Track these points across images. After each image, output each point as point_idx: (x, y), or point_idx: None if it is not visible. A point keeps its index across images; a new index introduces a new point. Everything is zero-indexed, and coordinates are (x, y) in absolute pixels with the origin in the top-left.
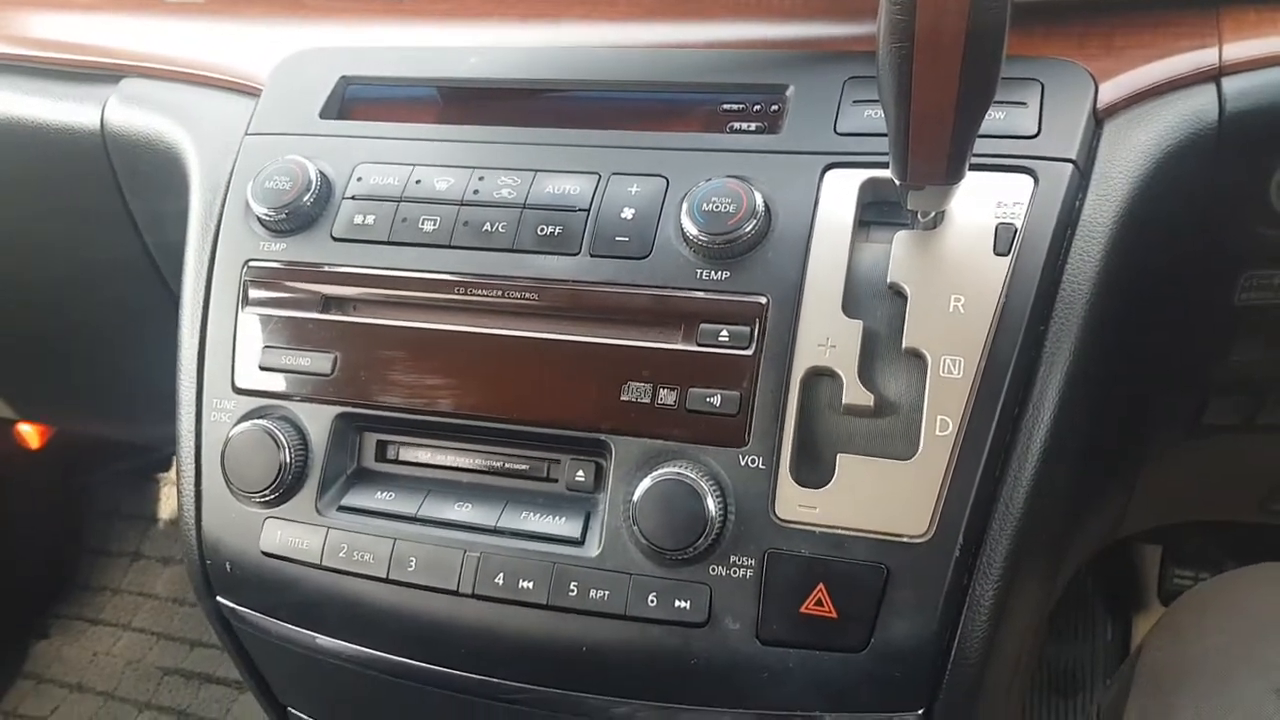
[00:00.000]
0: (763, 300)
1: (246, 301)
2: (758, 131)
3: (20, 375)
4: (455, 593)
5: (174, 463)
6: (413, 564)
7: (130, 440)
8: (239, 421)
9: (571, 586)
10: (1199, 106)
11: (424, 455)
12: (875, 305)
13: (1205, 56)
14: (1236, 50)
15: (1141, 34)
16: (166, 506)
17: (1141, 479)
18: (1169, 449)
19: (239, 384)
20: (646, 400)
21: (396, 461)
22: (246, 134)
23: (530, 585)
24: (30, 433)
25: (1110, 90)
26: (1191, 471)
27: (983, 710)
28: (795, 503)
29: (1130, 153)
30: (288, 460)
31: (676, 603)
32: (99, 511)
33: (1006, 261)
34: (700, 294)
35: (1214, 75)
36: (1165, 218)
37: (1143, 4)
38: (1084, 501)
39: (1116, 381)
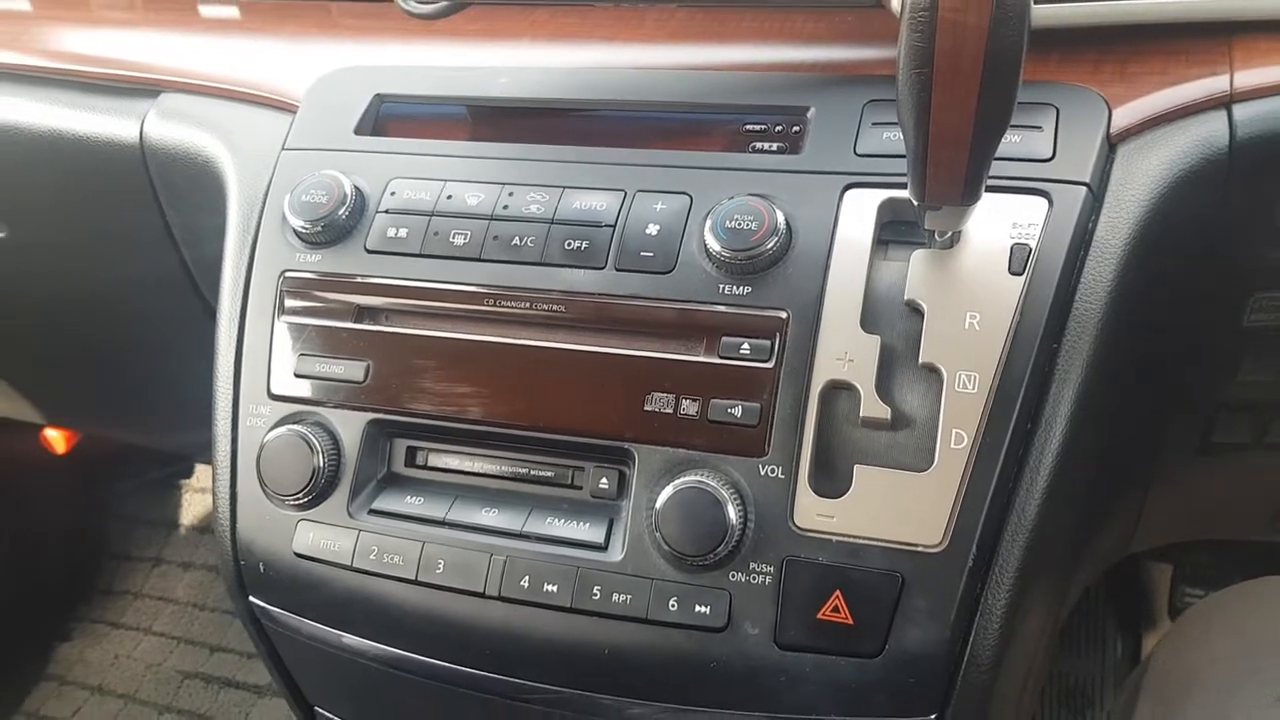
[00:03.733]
0: (783, 315)
1: (282, 311)
2: (779, 151)
3: (50, 381)
4: (481, 595)
5: (195, 470)
6: (440, 566)
7: (155, 447)
8: (274, 427)
9: (595, 590)
10: (1210, 132)
11: (452, 461)
12: (893, 321)
13: (1217, 84)
14: (1247, 78)
15: (1154, 61)
16: (188, 513)
17: (1152, 495)
18: (1179, 466)
19: (274, 390)
20: (669, 410)
21: (425, 467)
22: (283, 149)
23: (554, 589)
24: (56, 438)
25: (1123, 115)
26: (1201, 488)
27: (994, 718)
28: (813, 512)
29: (1142, 176)
30: (321, 464)
31: (697, 607)
32: (121, 517)
33: (1021, 280)
34: (722, 308)
35: (1225, 102)
36: (1176, 240)
37: (1156, 32)
38: (1095, 515)
39: (1127, 398)
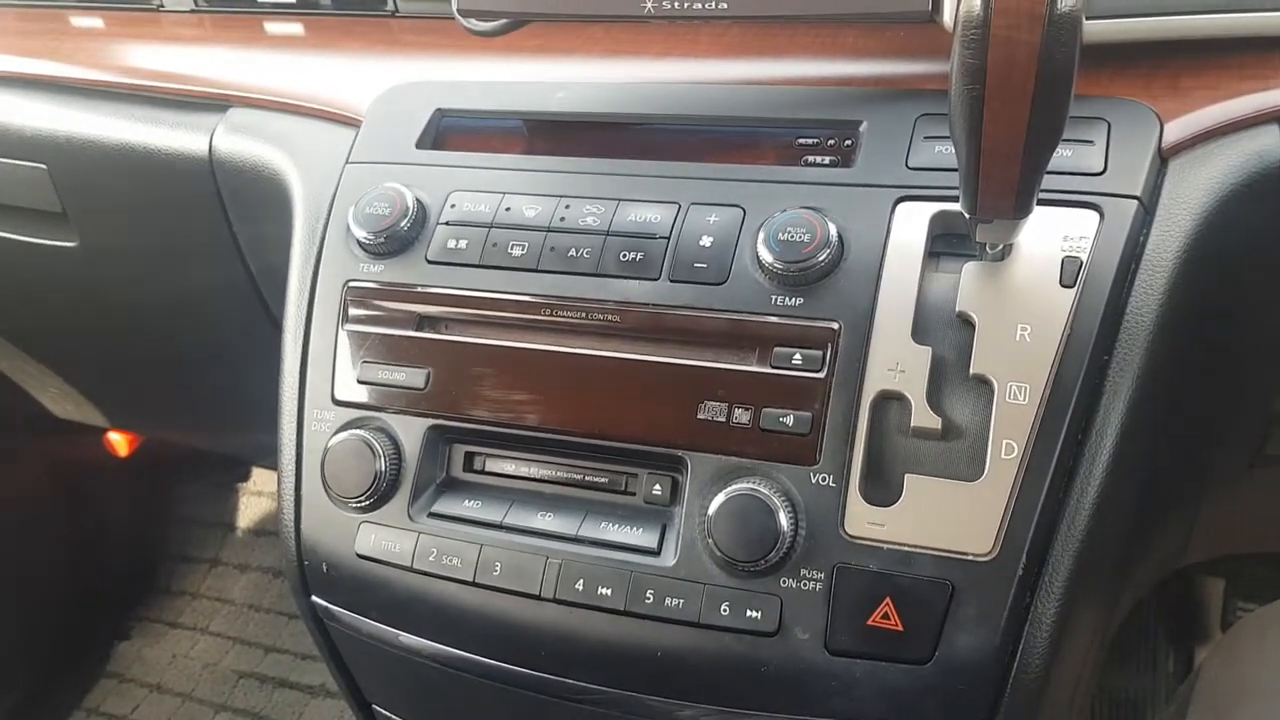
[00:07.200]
0: (835, 326)
1: (346, 319)
2: (832, 165)
3: (116, 386)
4: (537, 597)
5: (253, 474)
6: (498, 569)
7: (215, 451)
8: (338, 431)
9: (648, 594)
10: (1261, 147)
11: (509, 467)
12: (944, 333)
13: (1268, 98)
14: None
15: (1206, 76)
16: (245, 516)
17: (1204, 507)
18: (1232, 478)
19: (338, 396)
20: (722, 419)
21: (483, 472)
22: (347, 162)
23: (608, 592)
24: (120, 441)
25: (1175, 130)
26: (1254, 501)
27: None
28: (864, 520)
29: (1194, 190)
30: (383, 468)
31: (748, 612)
32: (181, 519)
33: (1072, 293)
34: (775, 319)
35: (1276, 116)
36: (1227, 254)
37: (1208, 47)
38: (1145, 526)
39: (1178, 410)
